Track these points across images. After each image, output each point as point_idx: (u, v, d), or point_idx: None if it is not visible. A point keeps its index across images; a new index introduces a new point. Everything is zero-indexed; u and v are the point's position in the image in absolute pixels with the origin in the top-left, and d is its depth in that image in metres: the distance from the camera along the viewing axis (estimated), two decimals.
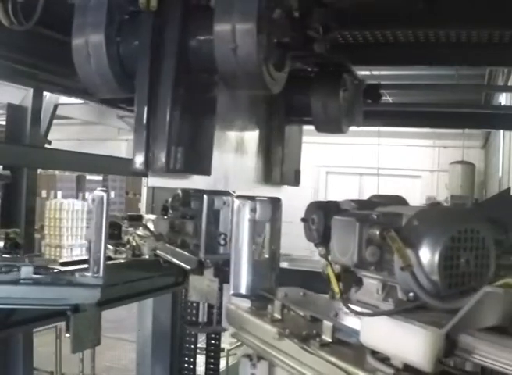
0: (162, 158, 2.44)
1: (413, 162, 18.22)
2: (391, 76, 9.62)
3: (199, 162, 2.67)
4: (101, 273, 2.75)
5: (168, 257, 3.89)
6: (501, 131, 11.14)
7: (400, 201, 2.18)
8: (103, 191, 2.80)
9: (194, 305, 4.77)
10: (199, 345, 5.74)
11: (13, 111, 5.14)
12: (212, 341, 5.22)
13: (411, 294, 1.60)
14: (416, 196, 15.74)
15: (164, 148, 2.44)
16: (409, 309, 1.58)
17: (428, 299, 1.55)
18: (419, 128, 14.32)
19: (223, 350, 6.96)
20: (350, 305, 1.79)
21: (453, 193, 16.00)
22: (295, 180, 3.71)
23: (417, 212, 1.65)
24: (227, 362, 7.81)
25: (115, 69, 2.57)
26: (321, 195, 18.41)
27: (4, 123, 5.29)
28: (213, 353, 5.36)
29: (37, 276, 2.81)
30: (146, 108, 2.47)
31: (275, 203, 2.65)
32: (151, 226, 4.53)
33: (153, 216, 4.56)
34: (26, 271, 2.77)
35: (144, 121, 2.47)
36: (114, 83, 2.60)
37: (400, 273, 1.58)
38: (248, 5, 2.24)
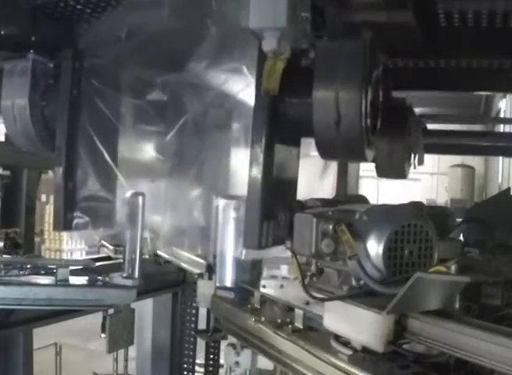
0: (255, 234, 2.25)
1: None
2: None
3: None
4: (136, 275, 2.76)
5: (176, 260, 3.81)
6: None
7: (361, 199, 2.37)
8: (139, 194, 2.74)
9: (194, 312, 4.75)
10: (199, 345, 5.72)
11: None
12: (212, 350, 5.20)
13: (362, 282, 1.76)
14: (416, 199, 15.73)
15: (256, 224, 2.25)
16: (358, 295, 1.74)
17: (374, 285, 1.70)
18: None
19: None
20: (308, 291, 1.98)
21: (453, 196, 16.02)
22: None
23: (366, 209, 1.81)
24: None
25: (38, 131, 2.76)
26: None
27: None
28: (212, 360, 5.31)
29: (74, 277, 2.82)
30: (64, 170, 2.67)
31: None
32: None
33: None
34: (63, 273, 2.77)
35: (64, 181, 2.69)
36: (38, 143, 2.83)
37: (350, 262, 1.73)
38: (353, 70, 2.04)
